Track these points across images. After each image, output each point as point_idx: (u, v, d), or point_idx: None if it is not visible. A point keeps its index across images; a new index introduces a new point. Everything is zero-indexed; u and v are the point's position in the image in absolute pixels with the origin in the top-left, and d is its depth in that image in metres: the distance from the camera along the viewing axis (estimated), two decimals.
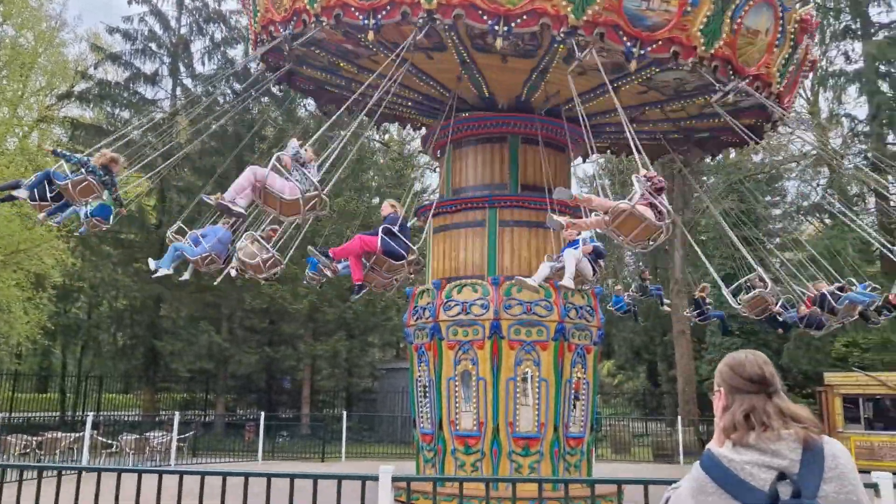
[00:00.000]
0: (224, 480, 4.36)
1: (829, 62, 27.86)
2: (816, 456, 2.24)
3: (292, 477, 4.22)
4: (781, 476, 2.20)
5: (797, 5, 11.10)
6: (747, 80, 10.01)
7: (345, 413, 23.11)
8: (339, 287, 24.73)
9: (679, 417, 22.11)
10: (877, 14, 27.47)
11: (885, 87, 25.31)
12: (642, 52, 9.25)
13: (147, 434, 19.83)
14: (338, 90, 12.77)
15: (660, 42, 9.29)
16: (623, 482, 6.27)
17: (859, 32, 27.07)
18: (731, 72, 9.92)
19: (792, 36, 10.67)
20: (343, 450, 21.56)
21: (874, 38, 25.41)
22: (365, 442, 24.50)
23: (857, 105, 29.41)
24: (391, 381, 29.13)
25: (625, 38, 9.19)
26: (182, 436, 19.89)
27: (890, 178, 24.98)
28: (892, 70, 25.27)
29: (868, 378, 19.47)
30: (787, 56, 10.79)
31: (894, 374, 20.78)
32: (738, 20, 9.63)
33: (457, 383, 11.43)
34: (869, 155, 26.88)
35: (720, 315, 15.95)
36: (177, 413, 20.10)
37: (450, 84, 11.62)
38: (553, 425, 11.24)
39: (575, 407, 11.63)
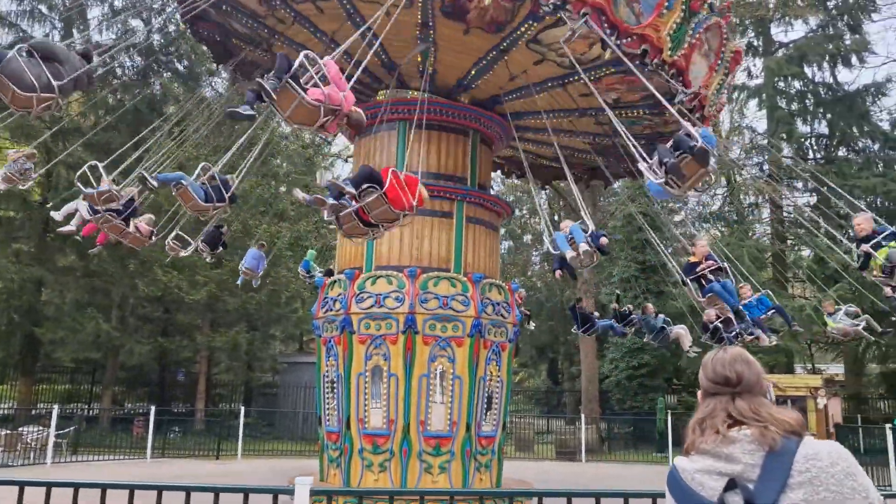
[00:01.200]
0: (103, 494, 3.63)
1: (733, 76, 28.99)
2: (782, 458, 1.97)
3: (188, 490, 3.54)
4: (732, 483, 1.97)
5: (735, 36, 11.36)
6: (689, 96, 10.04)
7: (242, 408, 22.05)
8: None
9: (582, 415, 22.35)
10: (778, 33, 28.84)
11: (782, 103, 26.54)
12: (618, 42, 8.97)
13: (21, 429, 18.17)
14: (250, 46, 11.82)
15: (634, 37, 9.08)
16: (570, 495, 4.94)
17: (761, 50, 28.33)
18: (681, 83, 9.90)
19: (727, 63, 10.83)
20: (240, 447, 20.55)
21: (774, 56, 26.61)
22: (263, 438, 23.50)
23: (755, 119, 30.82)
24: (294, 375, 28.14)
25: (605, 26, 8.90)
26: (61, 431, 18.35)
27: (784, 189, 26.25)
28: (790, 88, 26.52)
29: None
30: (720, 82, 10.92)
31: (786, 375, 21.80)
32: (697, 35, 9.67)
33: (367, 379, 10.89)
34: (766, 167, 28.22)
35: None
36: (55, 406, 18.49)
37: (396, 55, 10.87)
38: (466, 424, 10.89)
39: (488, 406, 11.35)
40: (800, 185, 26.13)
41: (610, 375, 28.71)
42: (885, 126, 26.83)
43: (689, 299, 23.23)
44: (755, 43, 28.77)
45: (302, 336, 36.73)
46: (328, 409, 11.50)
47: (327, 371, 11.55)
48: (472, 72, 10.98)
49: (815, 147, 27.48)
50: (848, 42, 25.72)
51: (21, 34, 26.00)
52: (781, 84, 26.73)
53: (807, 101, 26.03)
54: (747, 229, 29.39)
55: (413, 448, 10.65)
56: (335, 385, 11.28)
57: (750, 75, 28.74)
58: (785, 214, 27.30)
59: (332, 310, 11.40)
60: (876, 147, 27.17)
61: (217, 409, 26.95)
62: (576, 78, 10.41)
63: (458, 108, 11.81)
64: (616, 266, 29.42)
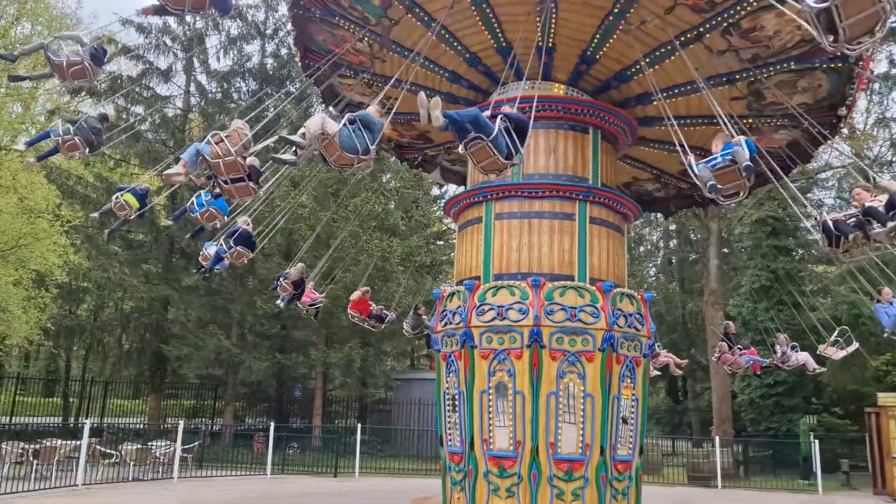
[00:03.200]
0: None
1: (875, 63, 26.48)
2: None
3: None
4: None
5: None
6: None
7: (359, 425, 21.87)
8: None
9: (717, 437, 20.65)
10: None
11: None
12: None
13: (150, 444, 18.67)
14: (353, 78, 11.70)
15: None
16: None
17: None
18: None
19: None
20: (357, 464, 20.32)
21: None
22: (379, 456, 23.24)
23: None
24: (406, 392, 27.90)
25: None
26: (187, 446, 18.74)
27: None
28: None
29: None
30: None
31: None
32: None
33: (490, 397, 10.17)
34: None
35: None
36: (181, 422, 18.93)
37: (512, 36, 10.20)
38: (599, 447, 9.95)
39: (623, 426, 10.36)
40: None
41: (741, 394, 26.60)
42: None
43: (828, 311, 21.11)
44: None
45: (413, 352, 36.61)
46: (450, 428, 10.87)
47: (448, 388, 10.93)
48: (596, 39, 10.01)
49: None
50: None
51: (148, 65, 27.41)
52: None
53: None
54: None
55: (543, 472, 9.81)
56: (457, 403, 10.64)
57: (892, 63, 26.12)
58: None
59: (451, 323, 10.79)
60: None
61: (333, 425, 27.02)
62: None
63: (576, 102, 11.01)
64: (745, 276, 27.35)
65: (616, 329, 10.17)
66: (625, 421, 10.33)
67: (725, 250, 26.98)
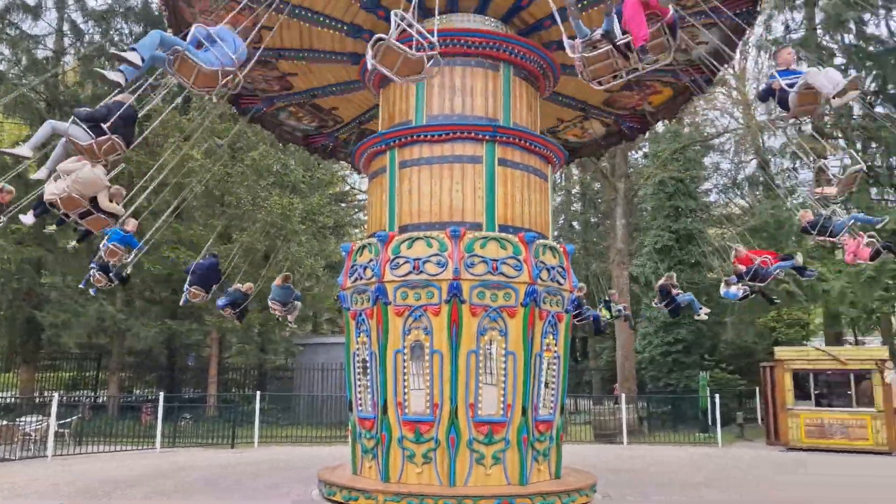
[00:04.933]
0: None
1: (770, 31, 27.20)
2: None
3: None
4: None
5: None
6: None
7: (258, 393, 20.64)
8: (253, 251, 22.14)
9: (623, 395, 20.83)
10: None
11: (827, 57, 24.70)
12: None
13: (20, 420, 16.79)
14: None
15: None
16: None
17: (801, 1, 26.40)
18: None
19: None
20: (256, 434, 19.16)
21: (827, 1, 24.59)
22: (279, 424, 22.11)
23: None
24: (309, 357, 26.76)
25: None
26: (64, 421, 16.98)
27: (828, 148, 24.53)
28: (838, 38, 24.64)
29: (820, 353, 18.73)
30: None
31: (846, 348, 20.24)
32: None
33: (406, 357, 9.39)
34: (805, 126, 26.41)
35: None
36: (55, 394, 17.10)
37: None
38: (521, 407, 9.39)
39: (545, 385, 9.84)
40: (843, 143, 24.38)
41: (643, 352, 27.16)
42: None
43: (728, 271, 21.50)
44: None
45: (316, 316, 35.32)
46: (360, 392, 10.02)
47: (358, 349, 10.06)
48: None
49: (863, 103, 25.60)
50: None
51: None
52: (828, 38, 24.87)
53: (860, 54, 24.10)
54: (788, 192, 27.63)
55: (462, 436, 9.17)
56: (368, 365, 9.80)
57: (787, 29, 26.85)
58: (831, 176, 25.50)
59: (362, 278, 9.88)
60: None
61: (230, 394, 25.56)
62: None
63: (482, 35, 10.17)
64: (647, 236, 27.77)
65: (539, 283, 9.57)
66: (546, 385, 9.82)
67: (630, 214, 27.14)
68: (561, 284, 10.04)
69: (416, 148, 9.96)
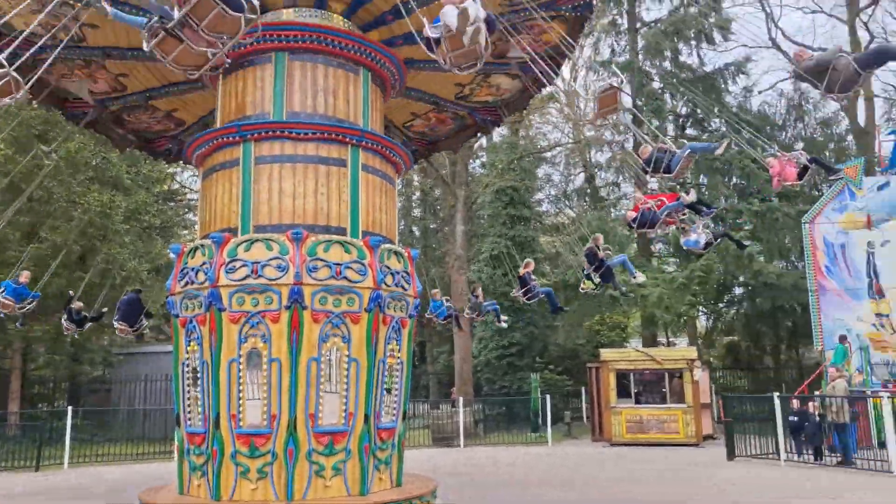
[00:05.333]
0: None
1: (598, 53, 29.10)
2: None
3: None
4: None
5: None
6: None
7: (69, 408, 18.73)
8: (68, 252, 20.09)
9: (461, 399, 21.20)
10: (641, 11, 29.10)
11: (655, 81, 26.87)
12: None
13: None
14: None
15: None
16: None
17: (625, 27, 28.49)
18: None
19: None
20: (66, 454, 17.36)
21: (651, 29, 26.71)
22: (95, 442, 20.19)
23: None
24: (130, 368, 24.81)
25: None
26: None
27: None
28: (660, 66, 26.84)
29: (639, 354, 20.15)
30: None
31: (662, 349, 21.91)
32: None
33: (241, 367, 8.82)
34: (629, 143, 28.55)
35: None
36: None
37: None
38: (364, 415, 9.14)
39: (388, 392, 9.67)
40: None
41: (479, 355, 27.89)
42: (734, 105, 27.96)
43: (557, 277, 22.74)
44: (619, 21, 28.92)
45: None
46: (190, 405, 9.29)
47: (188, 358, 9.32)
48: None
49: (676, 125, 28.12)
50: (713, 20, 26.49)
51: None
52: (648, 64, 27.00)
53: (674, 79, 26.42)
54: (610, 207, 29.70)
55: (301, 448, 8.74)
56: (199, 375, 9.10)
57: (613, 52, 28.86)
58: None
59: (193, 282, 9.16)
60: (723, 129, 28.27)
61: (36, 410, 23.01)
62: None
63: (352, 38, 9.95)
64: (485, 242, 28.61)
65: (384, 288, 9.39)
66: (388, 392, 9.67)
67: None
68: (405, 290, 9.93)
69: (278, 144, 9.39)
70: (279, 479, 8.65)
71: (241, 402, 8.78)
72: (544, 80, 11.66)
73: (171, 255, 10.05)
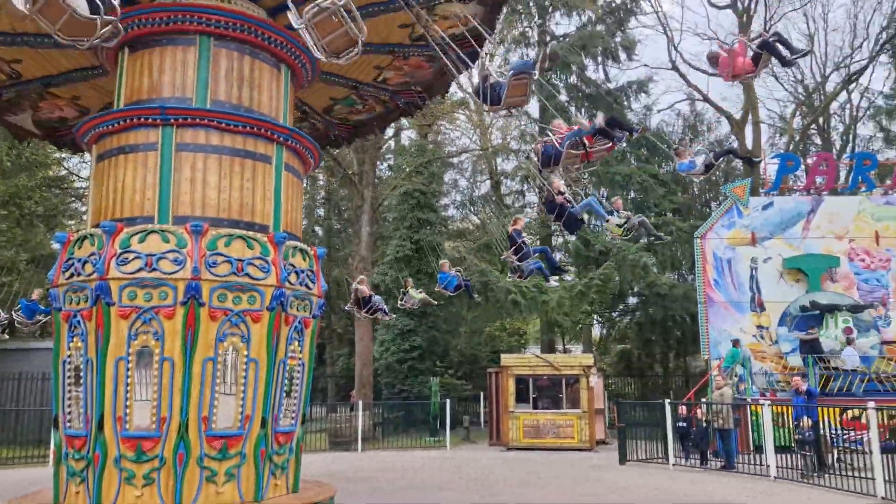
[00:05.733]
0: None
1: (507, 63, 29.53)
2: None
3: None
4: None
5: None
6: None
7: None
8: None
9: (360, 402, 20.89)
10: (553, 25, 29.87)
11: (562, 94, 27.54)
12: None
13: None
14: None
15: None
16: None
17: (535, 40, 29.12)
18: None
19: None
20: None
21: (560, 42, 27.38)
22: None
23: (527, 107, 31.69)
24: (2, 365, 22.94)
25: None
26: None
27: (554, 174, 27.21)
28: (566, 79, 27.55)
29: (539, 360, 20.52)
30: None
31: (560, 356, 22.38)
32: None
33: (130, 365, 8.27)
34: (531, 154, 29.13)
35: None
36: None
37: None
38: (261, 418, 8.77)
39: (287, 394, 9.34)
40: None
41: (380, 358, 27.63)
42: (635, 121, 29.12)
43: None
44: (529, 33, 29.52)
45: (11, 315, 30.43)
46: (70, 406, 8.63)
47: (70, 356, 8.65)
48: None
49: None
50: (618, 39, 27.49)
51: None
52: (554, 77, 27.65)
53: (580, 93, 27.21)
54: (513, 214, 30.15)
55: (192, 452, 8.28)
56: (82, 373, 8.47)
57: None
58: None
59: (79, 274, 8.52)
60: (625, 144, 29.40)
61: None
62: None
63: (273, 29, 9.57)
64: (390, 245, 28.42)
65: (287, 286, 9.06)
66: (288, 394, 9.34)
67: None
68: (310, 289, 9.62)
69: (203, 133, 8.83)
70: (167, 486, 8.17)
71: (128, 403, 8.24)
72: (458, 68, 11.48)
73: (56, 245, 9.34)
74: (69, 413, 8.62)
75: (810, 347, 19.49)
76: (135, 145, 8.95)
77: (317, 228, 39.67)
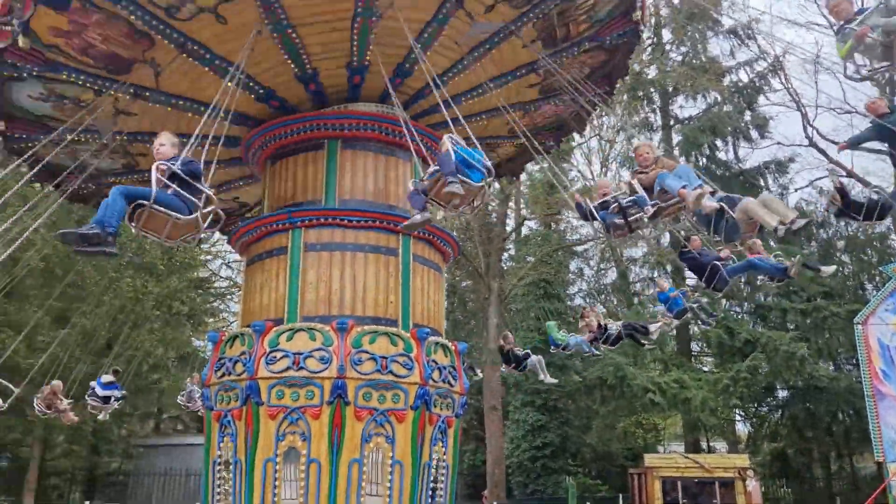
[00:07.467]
0: None
1: (632, 146, 29.17)
2: None
3: None
4: None
5: None
6: None
7: (86, 503, 17.90)
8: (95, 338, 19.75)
9: (495, 501, 19.96)
10: (676, 109, 29.38)
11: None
12: None
13: None
14: None
15: None
16: None
17: (659, 124, 28.70)
18: None
19: None
20: None
21: (688, 125, 26.84)
22: None
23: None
24: (148, 461, 23.93)
25: None
26: None
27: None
28: (693, 159, 26.75)
29: (687, 460, 18.97)
30: None
31: (710, 455, 20.66)
32: None
33: (278, 467, 8.17)
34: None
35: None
36: None
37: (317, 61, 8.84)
38: None
39: (432, 499, 8.89)
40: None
41: (511, 456, 26.58)
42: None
43: (593, 374, 21.73)
44: (651, 118, 29.17)
45: (161, 413, 32.06)
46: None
47: (221, 455, 8.69)
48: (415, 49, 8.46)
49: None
50: (748, 118, 26.60)
51: None
52: (683, 160, 26.91)
53: (710, 176, 26.23)
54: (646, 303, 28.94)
55: None
56: (232, 473, 8.45)
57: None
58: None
59: (231, 374, 8.66)
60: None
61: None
62: None
63: (394, 122, 9.73)
64: (516, 336, 27.82)
65: (431, 384, 8.78)
66: (432, 499, 8.89)
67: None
68: (452, 386, 9.30)
69: (327, 231, 9.04)
70: None
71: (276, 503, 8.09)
72: (588, 110, 11.11)
73: (200, 344, 9.62)
74: None
75: None
76: (270, 250, 9.24)
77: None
